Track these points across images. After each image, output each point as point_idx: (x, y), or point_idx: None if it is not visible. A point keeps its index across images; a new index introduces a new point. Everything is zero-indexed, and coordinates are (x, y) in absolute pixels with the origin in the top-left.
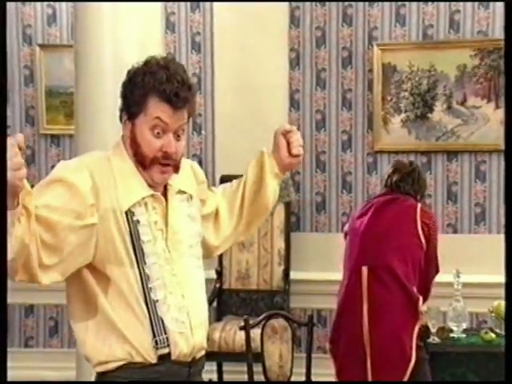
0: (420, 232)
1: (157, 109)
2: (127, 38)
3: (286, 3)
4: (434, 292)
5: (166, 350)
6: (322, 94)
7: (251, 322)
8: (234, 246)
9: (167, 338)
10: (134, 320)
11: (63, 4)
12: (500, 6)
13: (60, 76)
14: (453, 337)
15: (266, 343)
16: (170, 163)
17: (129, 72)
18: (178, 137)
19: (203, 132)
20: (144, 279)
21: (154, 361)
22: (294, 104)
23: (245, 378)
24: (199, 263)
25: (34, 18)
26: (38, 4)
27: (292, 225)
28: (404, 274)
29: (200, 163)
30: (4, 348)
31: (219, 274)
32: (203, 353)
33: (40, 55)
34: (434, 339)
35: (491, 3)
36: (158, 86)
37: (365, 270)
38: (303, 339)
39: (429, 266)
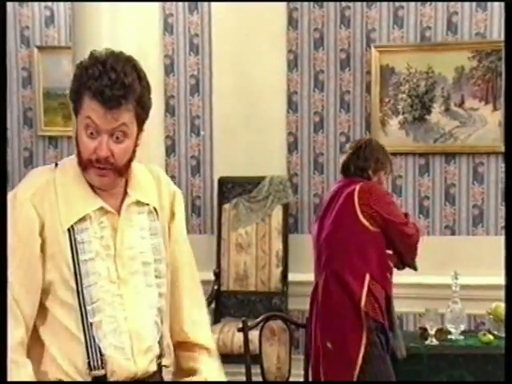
0: (360, 216)
1: (88, 107)
2: (125, 40)
3: (284, 5)
4: (432, 294)
5: (101, 372)
6: (320, 95)
7: (249, 323)
8: (231, 248)
9: (101, 359)
10: (68, 343)
11: (61, 6)
12: (498, 7)
13: (58, 78)
14: (451, 339)
15: (264, 345)
16: (106, 167)
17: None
18: (116, 139)
19: (202, 132)
20: (81, 301)
21: (88, 380)
22: (291, 106)
23: (243, 379)
24: (159, 281)
25: (32, 20)
26: (36, 6)
27: (290, 226)
28: (352, 272)
29: (198, 165)
30: (4, 348)
31: (217, 275)
32: (154, 372)
33: (38, 57)
34: (431, 341)
35: (489, 5)
36: (87, 82)
37: (320, 277)
38: (301, 341)
39: (391, 246)
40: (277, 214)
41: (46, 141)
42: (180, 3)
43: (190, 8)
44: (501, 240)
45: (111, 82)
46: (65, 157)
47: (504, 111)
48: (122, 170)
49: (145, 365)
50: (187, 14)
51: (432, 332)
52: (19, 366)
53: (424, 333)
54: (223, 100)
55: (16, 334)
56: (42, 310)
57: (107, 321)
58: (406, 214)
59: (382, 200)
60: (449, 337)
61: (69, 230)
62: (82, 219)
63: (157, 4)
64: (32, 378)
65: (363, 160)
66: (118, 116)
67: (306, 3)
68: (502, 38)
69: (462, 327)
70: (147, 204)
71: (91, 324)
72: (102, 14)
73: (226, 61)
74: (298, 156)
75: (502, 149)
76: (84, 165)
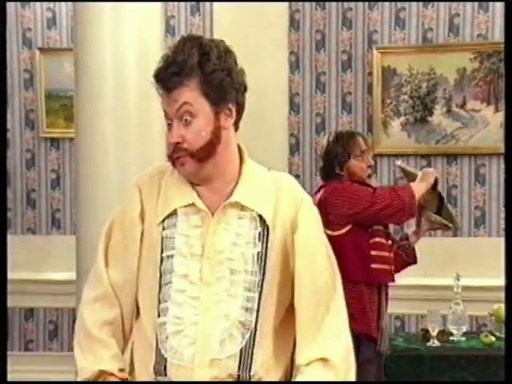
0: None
1: (161, 100)
2: (127, 42)
3: (286, 6)
4: (434, 295)
5: (164, 379)
6: (322, 97)
7: None
8: None
9: (165, 367)
10: (145, 344)
11: (63, 7)
12: (499, 9)
13: (60, 79)
14: (453, 340)
15: None
16: (181, 155)
17: None
18: (185, 121)
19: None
20: (157, 301)
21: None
22: (293, 107)
23: None
24: (249, 295)
25: (34, 22)
26: (38, 7)
27: None
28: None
29: None
30: (4, 349)
31: None
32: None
33: (40, 59)
34: (433, 342)
35: (490, 6)
36: (155, 74)
37: None
38: None
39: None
40: None
41: (48, 142)
42: (182, 5)
43: (192, 10)
44: (503, 241)
45: (167, 63)
46: (67, 158)
47: (505, 112)
48: (200, 155)
49: (206, 378)
50: (189, 15)
51: (434, 333)
52: (104, 345)
53: (426, 334)
54: None
55: (108, 313)
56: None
57: (172, 322)
58: (374, 189)
59: (339, 200)
60: (451, 338)
61: (161, 224)
62: (173, 214)
63: (159, 6)
64: (117, 361)
65: (326, 163)
66: (178, 96)
67: (307, 5)
68: (503, 39)
69: (464, 329)
70: (252, 210)
71: (158, 325)
72: (104, 16)
73: None
74: (299, 157)
75: (504, 150)
76: (171, 161)
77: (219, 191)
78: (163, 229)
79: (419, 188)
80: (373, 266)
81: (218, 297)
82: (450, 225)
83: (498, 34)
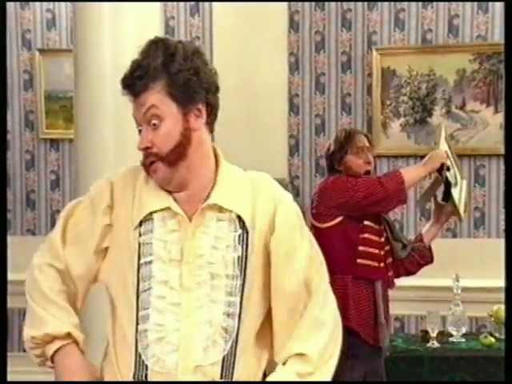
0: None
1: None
2: (127, 43)
3: (285, 8)
4: (434, 296)
5: None
6: (322, 98)
7: None
8: None
9: (146, 375)
10: (123, 347)
11: (62, 9)
12: (499, 10)
13: (59, 80)
14: (452, 341)
15: None
16: (153, 160)
17: None
18: (153, 125)
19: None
20: (136, 308)
21: None
22: (293, 108)
23: None
24: (230, 299)
25: (34, 23)
26: (38, 9)
27: None
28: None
29: None
30: (4, 350)
31: None
32: None
33: (39, 60)
34: (433, 343)
35: (490, 8)
36: (123, 78)
37: None
38: None
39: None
40: None
41: (48, 143)
42: (181, 6)
43: (192, 11)
44: (502, 242)
45: (133, 68)
46: (66, 159)
47: (505, 114)
48: (170, 158)
49: None
50: (188, 16)
51: (433, 334)
52: (68, 312)
53: (425, 335)
54: (224, 102)
55: (62, 286)
56: (112, 307)
57: (153, 329)
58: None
59: (327, 191)
60: (450, 339)
61: (138, 228)
62: (149, 219)
63: (158, 7)
64: (80, 331)
65: (328, 159)
66: (144, 100)
67: (307, 6)
68: (503, 40)
69: (464, 330)
70: (231, 211)
71: (139, 332)
72: (104, 17)
73: (228, 63)
74: (299, 158)
75: (504, 151)
76: (145, 169)
77: (196, 195)
78: (140, 234)
79: (416, 173)
80: (359, 260)
81: (199, 302)
82: (459, 213)
83: (498, 35)
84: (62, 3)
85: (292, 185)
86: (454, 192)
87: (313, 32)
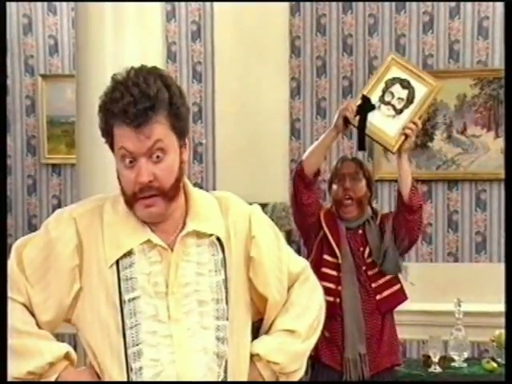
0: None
1: (118, 136)
2: (129, 68)
3: (287, 33)
4: (435, 321)
5: None
6: (323, 122)
7: None
8: None
9: None
10: None
11: (65, 35)
12: (499, 36)
13: (61, 105)
14: (454, 366)
15: None
16: (152, 194)
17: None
18: (157, 158)
19: (203, 141)
20: (126, 344)
21: None
22: (294, 133)
23: None
24: (219, 323)
25: (36, 49)
26: (40, 35)
27: None
28: None
29: None
30: (4, 350)
31: None
32: None
33: (42, 85)
34: (435, 368)
35: (490, 33)
36: (111, 107)
37: None
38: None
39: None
40: None
41: (50, 168)
42: (183, 31)
43: (193, 36)
44: (504, 267)
45: (134, 97)
46: (68, 184)
47: (505, 138)
48: (171, 193)
49: None
50: (190, 42)
51: (435, 359)
52: (47, 337)
53: (427, 360)
54: (226, 127)
55: (33, 319)
56: (88, 347)
57: (149, 365)
58: None
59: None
60: (452, 364)
61: (114, 265)
62: (128, 254)
63: (160, 32)
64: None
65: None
66: (150, 133)
67: (308, 31)
68: (504, 65)
69: (466, 354)
70: (209, 235)
71: (132, 370)
72: (105, 43)
73: (229, 88)
74: None
75: (504, 175)
76: (130, 202)
77: (172, 224)
78: (118, 271)
79: (315, 144)
80: (324, 270)
81: (190, 331)
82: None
83: (498, 61)
84: (65, 30)
85: None
86: (382, 127)
87: (314, 57)
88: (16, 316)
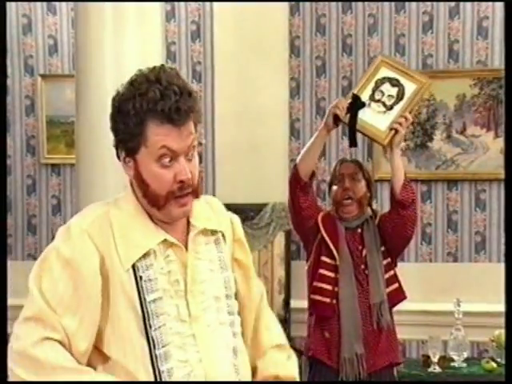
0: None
1: (159, 135)
2: (129, 68)
3: (286, 33)
4: (435, 321)
5: None
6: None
7: None
8: None
9: None
10: None
11: (64, 34)
12: (498, 36)
13: (61, 105)
14: (454, 366)
15: None
16: (188, 192)
17: (114, 99)
18: (191, 156)
19: (203, 141)
20: (151, 346)
21: None
22: (294, 133)
23: None
24: (232, 318)
25: (36, 49)
26: (40, 35)
27: (292, 253)
28: None
29: None
30: (4, 350)
31: None
32: None
33: (41, 85)
34: (434, 368)
35: (490, 33)
36: (153, 106)
37: None
38: (304, 368)
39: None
40: (279, 241)
41: (49, 168)
42: (183, 31)
43: (193, 36)
44: (503, 267)
45: (178, 95)
46: (68, 184)
47: (505, 138)
48: (198, 191)
49: None
50: (190, 42)
51: (435, 359)
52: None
53: (427, 360)
54: (225, 127)
55: (68, 354)
56: (106, 359)
57: (179, 366)
58: None
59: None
60: (452, 364)
61: (132, 267)
62: (145, 255)
63: (160, 32)
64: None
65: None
66: (189, 131)
67: (307, 31)
68: (503, 65)
69: (465, 354)
70: (214, 232)
71: (162, 372)
72: (105, 43)
73: (229, 88)
74: None
75: (504, 175)
76: (162, 202)
77: (181, 222)
78: (135, 273)
79: (308, 143)
80: (312, 296)
81: (210, 328)
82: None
83: (498, 61)
84: (65, 30)
85: None
86: (375, 123)
87: (314, 57)
88: (57, 354)
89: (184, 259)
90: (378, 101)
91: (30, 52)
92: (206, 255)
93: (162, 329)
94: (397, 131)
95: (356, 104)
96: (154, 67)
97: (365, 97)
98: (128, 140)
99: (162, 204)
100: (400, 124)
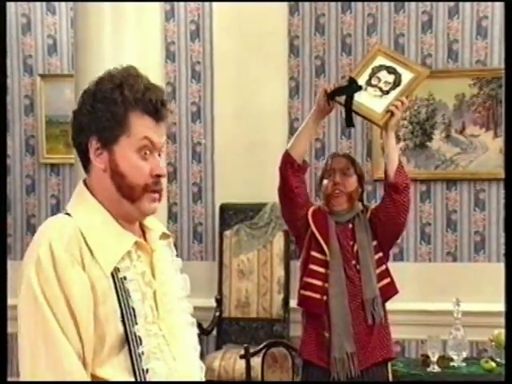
0: None
1: (142, 126)
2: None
3: (286, 33)
4: (434, 320)
5: None
6: (322, 122)
7: (251, 350)
8: (233, 274)
9: None
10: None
11: (64, 34)
12: (498, 35)
13: (60, 105)
14: (453, 366)
15: (266, 372)
16: (160, 189)
17: (95, 90)
18: (159, 155)
19: (203, 141)
20: (132, 348)
21: None
22: (293, 132)
23: None
24: (192, 320)
25: (35, 49)
26: (39, 34)
27: (291, 253)
28: None
29: (199, 192)
30: (4, 350)
31: (219, 302)
32: None
33: (40, 85)
34: (434, 368)
35: (489, 33)
36: (140, 96)
37: None
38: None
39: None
40: (278, 241)
41: (48, 168)
42: (182, 31)
43: (192, 36)
44: (503, 266)
45: (160, 92)
46: (67, 184)
47: (504, 138)
48: (162, 193)
49: None
50: (189, 41)
51: (434, 359)
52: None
53: (426, 360)
54: (225, 127)
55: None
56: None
57: (159, 365)
58: None
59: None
60: (451, 364)
61: (112, 273)
62: (122, 257)
63: (159, 32)
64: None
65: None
66: (163, 130)
67: (307, 31)
68: (503, 65)
69: (464, 354)
70: (167, 236)
71: (146, 371)
72: (104, 43)
73: (228, 88)
74: None
75: (503, 175)
76: (139, 193)
77: (136, 225)
78: (116, 275)
79: (300, 128)
80: (301, 292)
81: (177, 329)
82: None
83: (497, 61)
84: (64, 30)
85: None
86: (371, 106)
87: (313, 57)
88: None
89: (150, 261)
90: (375, 86)
91: (30, 52)
92: (166, 257)
93: (140, 331)
94: (393, 114)
95: (352, 87)
96: (125, 67)
97: (361, 82)
98: (110, 128)
99: (137, 196)
100: (396, 107)
